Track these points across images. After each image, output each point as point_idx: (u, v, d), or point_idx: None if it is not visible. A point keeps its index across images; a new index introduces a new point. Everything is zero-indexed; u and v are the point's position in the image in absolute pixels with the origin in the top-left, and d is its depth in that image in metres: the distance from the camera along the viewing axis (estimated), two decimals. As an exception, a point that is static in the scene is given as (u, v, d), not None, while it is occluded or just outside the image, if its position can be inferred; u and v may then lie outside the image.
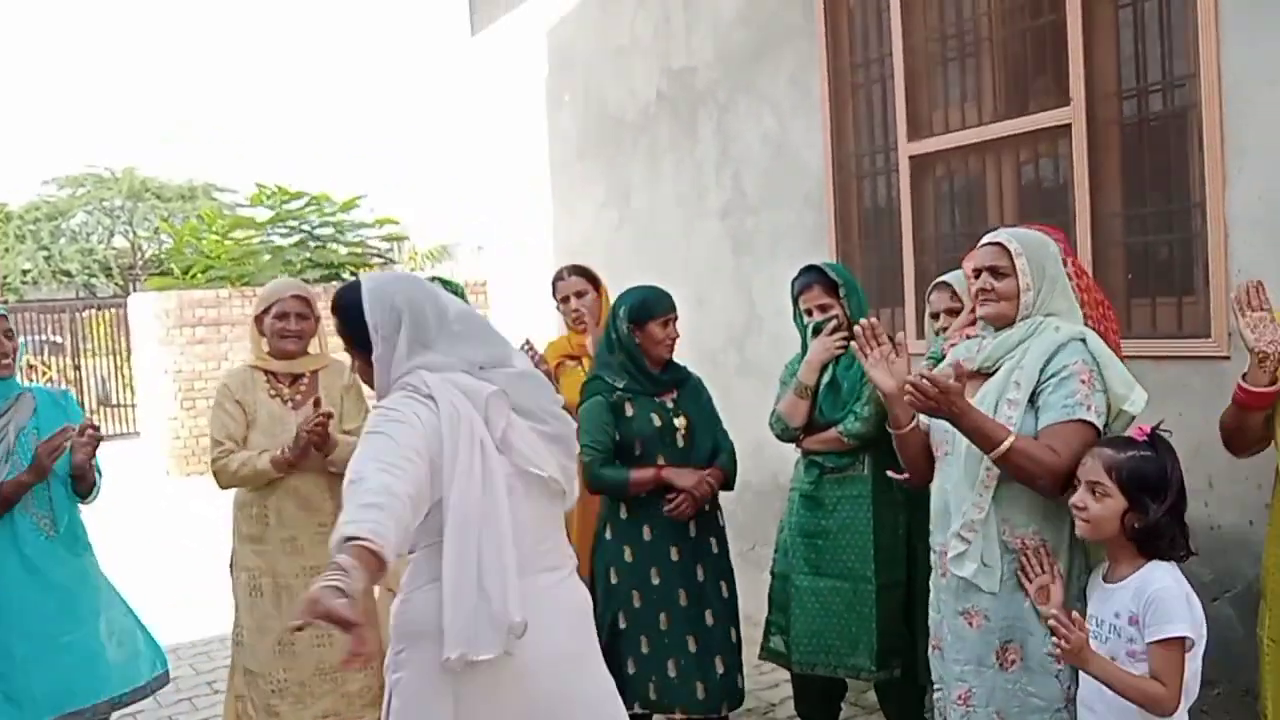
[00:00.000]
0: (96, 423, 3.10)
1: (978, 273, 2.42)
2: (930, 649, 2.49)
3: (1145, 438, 2.14)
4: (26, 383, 3.26)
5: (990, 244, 2.43)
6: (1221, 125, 2.95)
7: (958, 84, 3.92)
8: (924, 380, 2.21)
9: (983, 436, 2.22)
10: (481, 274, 9.92)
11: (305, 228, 12.66)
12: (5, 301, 20.93)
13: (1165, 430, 2.18)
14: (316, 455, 3.11)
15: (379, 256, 13.56)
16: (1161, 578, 2.08)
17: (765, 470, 4.33)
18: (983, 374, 2.38)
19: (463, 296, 3.78)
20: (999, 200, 3.78)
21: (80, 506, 3.11)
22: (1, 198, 26.12)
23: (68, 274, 25.05)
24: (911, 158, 4.00)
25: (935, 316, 3.17)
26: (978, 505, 2.26)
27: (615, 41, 5.61)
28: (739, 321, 4.79)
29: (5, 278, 25.02)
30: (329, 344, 3.34)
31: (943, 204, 4.01)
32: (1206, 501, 2.94)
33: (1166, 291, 3.23)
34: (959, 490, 2.32)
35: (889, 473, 2.97)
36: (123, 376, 13.48)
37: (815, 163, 4.38)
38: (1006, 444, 2.19)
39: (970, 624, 2.30)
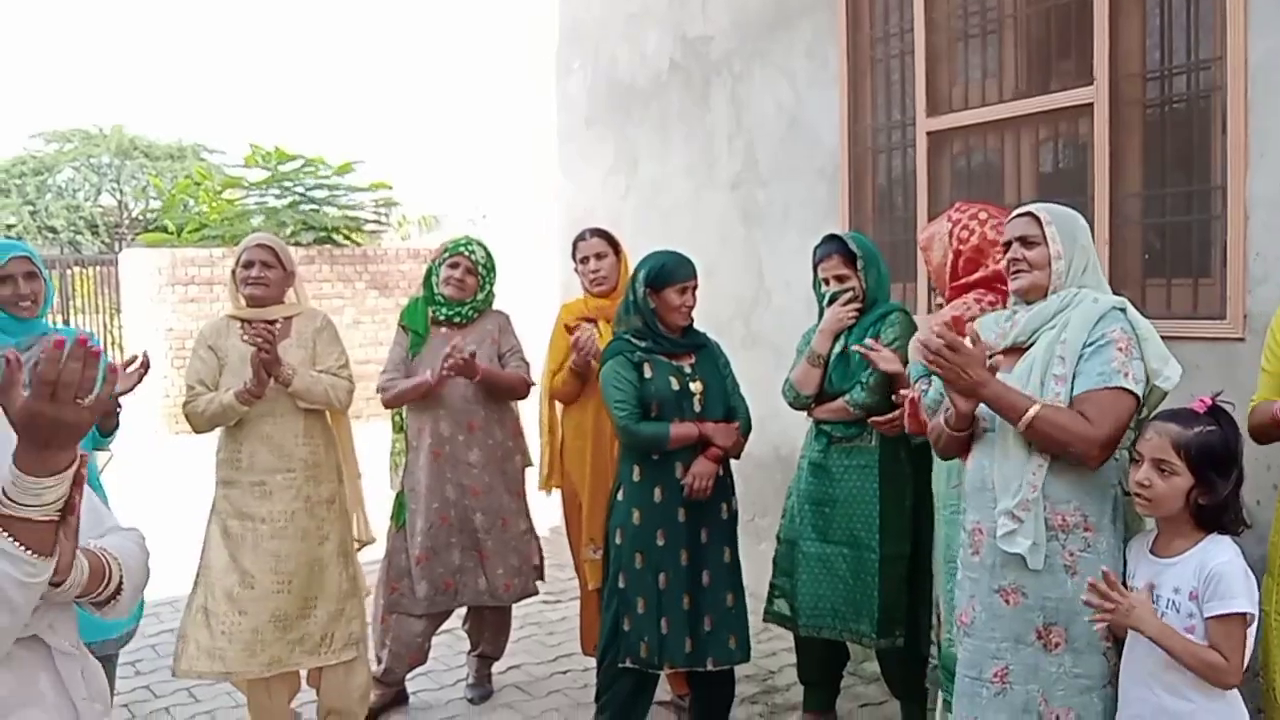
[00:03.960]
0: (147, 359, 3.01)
1: (1007, 245, 2.42)
2: (955, 628, 2.45)
3: (1206, 410, 2.09)
4: (53, 325, 3.22)
5: (1020, 215, 2.43)
6: (1245, 109, 2.96)
7: (979, 61, 3.92)
8: (939, 340, 2.15)
9: (1006, 406, 2.18)
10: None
11: (299, 190, 12.55)
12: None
13: (1225, 401, 2.13)
14: (283, 391, 3.16)
15: (371, 221, 13.48)
16: (1223, 552, 2.05)
17: (767, 442, 4.35)
18: (1017, 349, 2.34)
19: (492, 262, 3.77)
20: (1017, 178, 3.79)
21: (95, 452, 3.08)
22: (-12, 150, 25.79)
23: (53, 230, 24.79)
24: (929, 133, 4.00)
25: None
26: (1032, 484, 2.20)
27: (627, 9, 5.57)
28: (747, 293, 4.80)
29: (-11, 232, 24.74)
30: (306, 296, 3.50)
31: (959, 180, 4.02)
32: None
33: (1183, 273, 3.26)
34: (1003, 467, 2.25)
35: (872, 420, 3.06)
36: (111, 335, 13.37)
37: (830, 136, 4.38)
38: (1032, 413, 2.14)
39: (1007, 601, 2.25)
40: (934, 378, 2.45)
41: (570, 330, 3.58)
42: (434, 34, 12.60)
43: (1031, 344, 2.31)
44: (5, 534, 1.27)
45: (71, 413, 1.27)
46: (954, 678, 2.42)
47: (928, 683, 3.15)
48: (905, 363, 3.08)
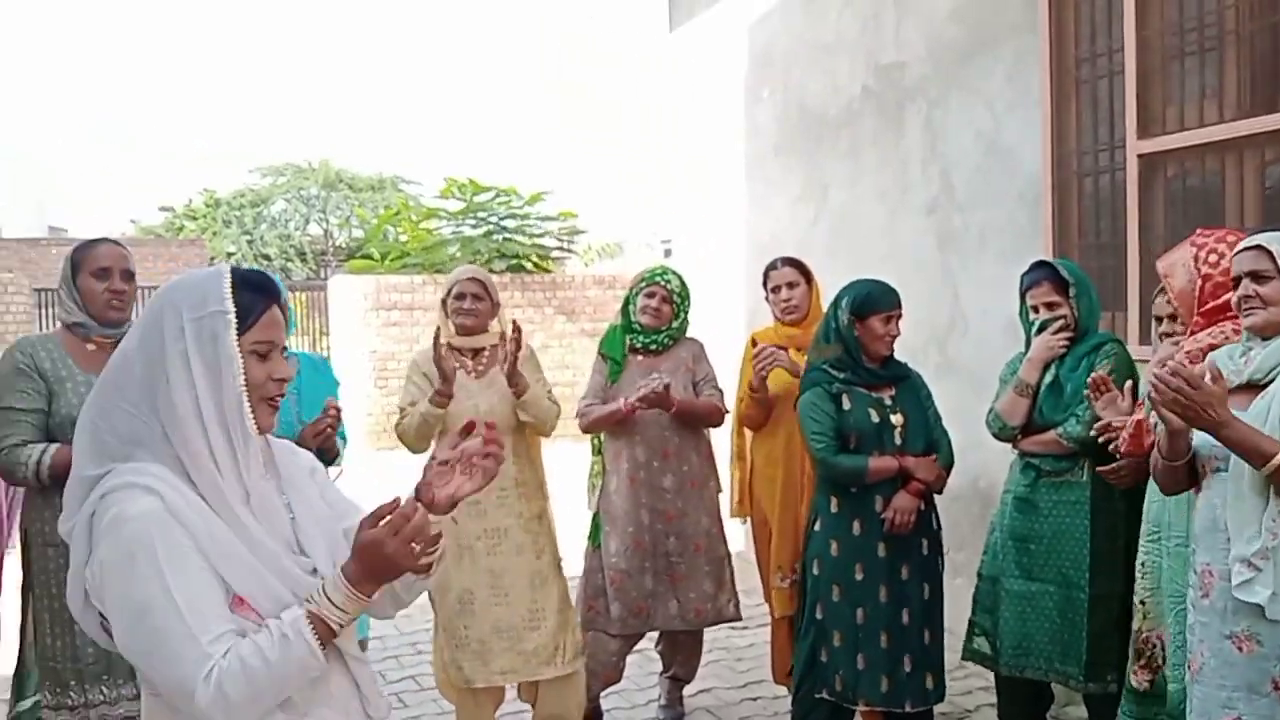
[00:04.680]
0: (339, 404, 3.24)
1: (1236, 281, 2.31)
2: (1188, 675, 2.34)
3: None
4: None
5: (1247, 249, 2.31)
6: None
7: (1196, 79, 3.73)
8: (1175, 377, 2.06)
9: (1250, 449, 2.06)
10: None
11: (493, 220, 13.14)
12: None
13: None
14: (504, 399, 3.32)
15: (559, 249, 13.94)
16: None
17: (965, 474, 4.22)
18: (1252, 386, 2.23)
19: (686, 291, 3.87)
20: (1239, 202, 3.58)
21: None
22: (212, 185, 28.16)
23: (267, 258, 26.79)
24: (1140, 156, 3.84)
25: (1158, 320, 3.03)
26: (1272, 531, 2.08)
27: (819, 38, 5.60)
28: (941, 320, 4.71)
29: (212, 259, 27.01)
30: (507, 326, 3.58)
31: (1173, 205, 3.83)
32: None
33: None
34: (1238, 510, 2.14)
35: (1099, 470, 2.90)
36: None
37: (1031, 160, 4.26)
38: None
39: (1240, 649, 2.14)
40: None
41: (755, 343, 3.63)
42: (615, 64, 12.93)
43: (1269, 382, 2.20)
44: (313, 633, 1.41)
45: (407, 556, 1.43)
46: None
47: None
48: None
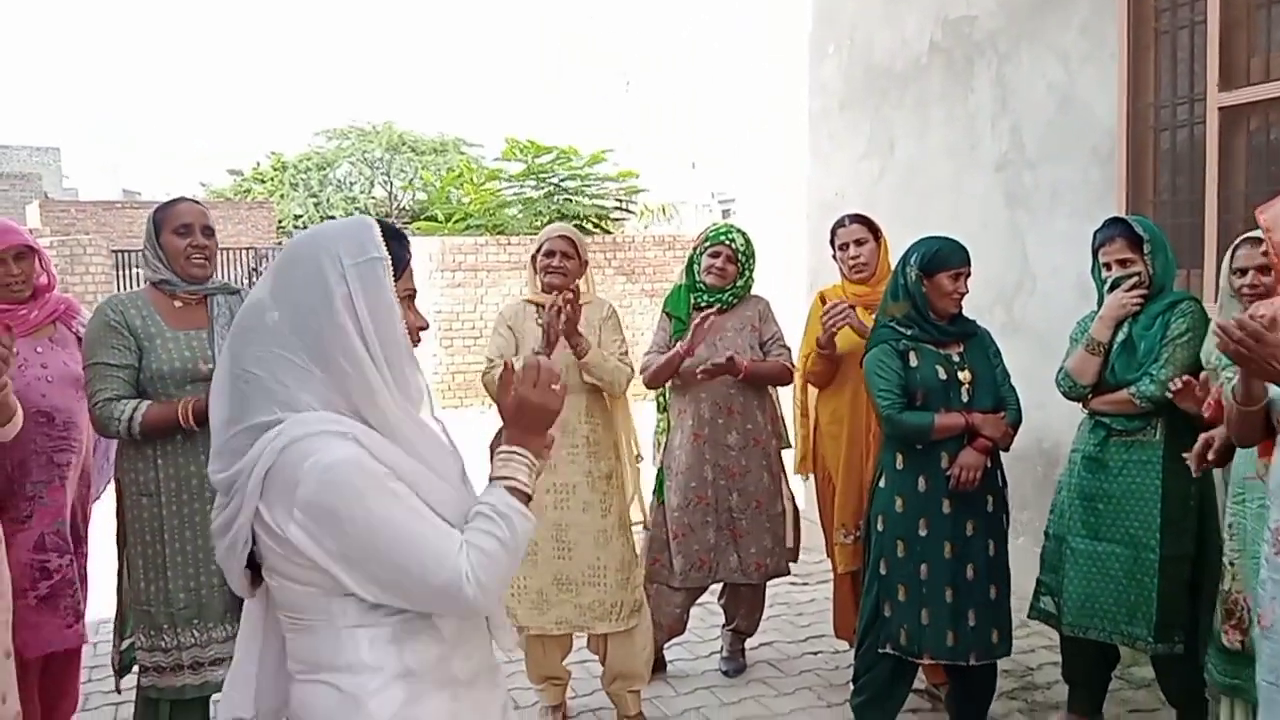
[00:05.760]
0: None
1: None
2: (1258, 631, 2.33)
3: None
4: None
5: None
6: None
7: (1283, 29, 3.61)
8: (1239, 330, 1.99)
9: None
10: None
11: (554, 181, 13.18)
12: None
13: None
14: (573, 367, 3.32)
15: (619, 209, 13.94)
16: None
17: (1030, 434, 4.16)
18: None
19: (751, 249, 3.86)
20: (1325, 155, 3.47)
21: None
22: (279, 148, 28.62)
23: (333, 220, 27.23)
24: (1221, 109, 3.73)
25: (1242, 273, 2.95)
26: None
27: (886, -9, 5.50)
28: (1009, 279, 4.65)
29: (280, 222, 27.50)
30: (594, 285, 3.66)
31: (1256, 159, 3.72)
32: None
33: None
34: None
35: (1186, 457, 2.82)
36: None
37: (1106, 115, 4.17)
38: None
39: None
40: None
41: (823, 301, 3.62)
42: (677, 20, 12.81)
43: None
44: (520, 502, 1.53)
45: (551, 397, 1.57)
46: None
47: (1207, 693, 2.99)
48: (1196, 358, 2.91)
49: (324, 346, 1.46)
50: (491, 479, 1.57)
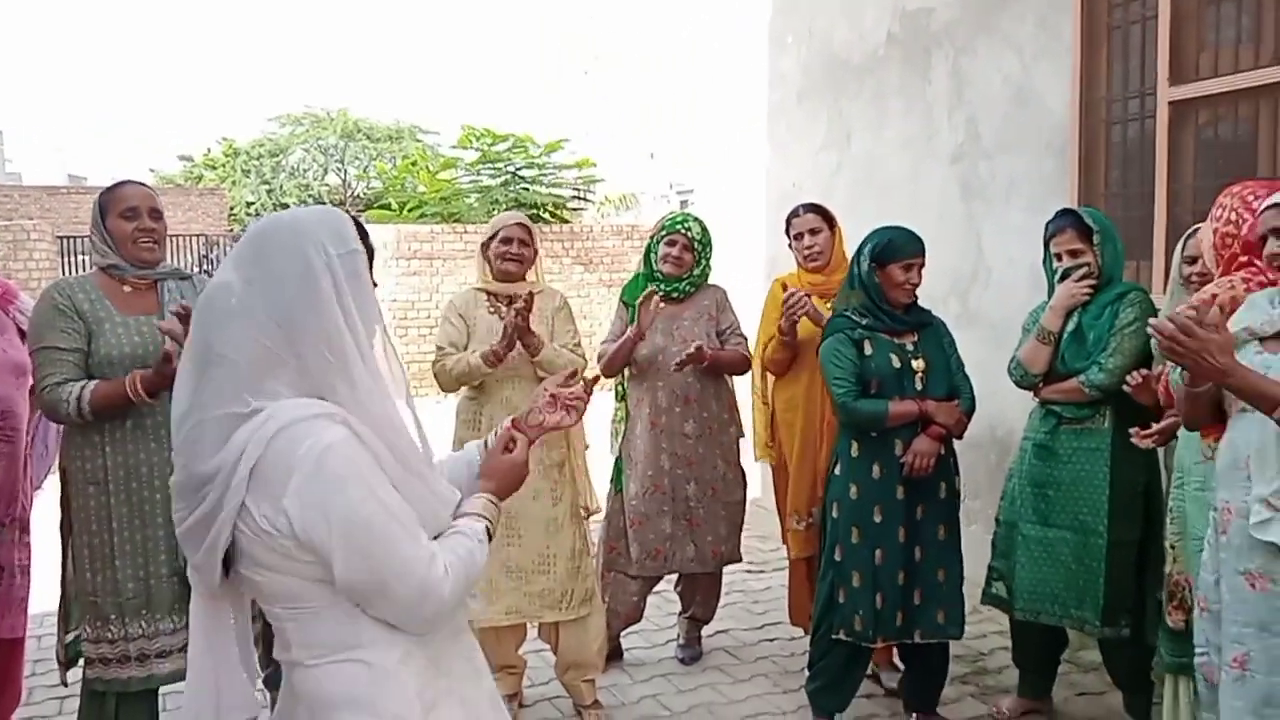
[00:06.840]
0: None
1: (1263, 239, 2.29)
2: (1197, 610, 2.38)
3: None
4: None
5: (1275, 205, 2.29)
6: None
7: (1232, 25, 3.68)
8: (1171, 325, 2.02)
9: (1255, 396, 2.06)
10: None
11: (510, 169, 13.09)
12: (231, 230, 22.60)
13: None
14: (525, 360, 3.34)
15: (577, 198, 13.89)
16: None
17: (983, 423, 4.25)
18: None
19: (708, 238, 3.86)
20: (1272, 150, 3.54)
21: None
22: (231, 133, 28.14)
23: (286, 208, 26.87)
24: (1171, 103, 3.80)
25: (1192, 260, 2.99)
26: None
27: (844, -18, 5.52)
28: (964, 269, 4.70)
29: (232, 209, 27.06)
30: (543, 275, 3.67)
31: (1204, 153, 3.79)
32: None
33: None
34: (1262, 452, 2.15)
35: (1132, 433, 2.88)
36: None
37: (1059, 107, 4.22)
38: None
39: (1252, 586, 2.16)
40: None
41: (784, 288, 3.63)
42: (636, 8, 12.76)
43: None
44: (486, 538, 1.65)
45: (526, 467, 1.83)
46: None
47: (1153, 675, 3.05)
48: (1145, 347, 2.96)
49: (306, 336, 1.45)
50: (474, 514, 1.67)
